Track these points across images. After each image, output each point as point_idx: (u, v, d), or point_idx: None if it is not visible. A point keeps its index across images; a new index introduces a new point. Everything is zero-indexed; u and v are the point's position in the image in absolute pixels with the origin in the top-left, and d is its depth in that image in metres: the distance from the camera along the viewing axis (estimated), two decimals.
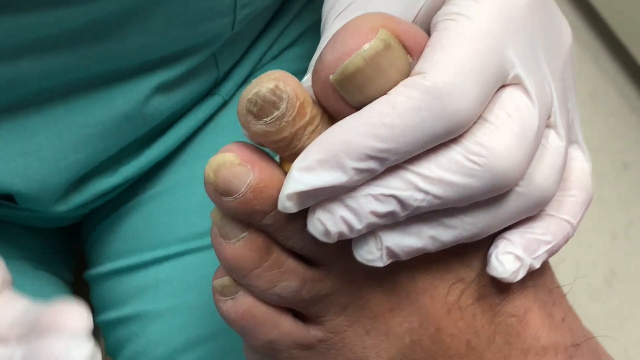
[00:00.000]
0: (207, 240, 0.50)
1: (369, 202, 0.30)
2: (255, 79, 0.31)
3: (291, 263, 0.34)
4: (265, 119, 0.30)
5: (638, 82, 1.25)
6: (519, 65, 0.31)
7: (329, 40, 0.30)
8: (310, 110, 0.31)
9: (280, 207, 0.31)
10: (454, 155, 0.30)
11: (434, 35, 0.31)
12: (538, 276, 0.36)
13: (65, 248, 0.60)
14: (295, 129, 0.31)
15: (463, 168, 0.30)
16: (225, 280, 0.35)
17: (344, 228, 0.30)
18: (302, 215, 0.32)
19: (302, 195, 0.30)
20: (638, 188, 1.19)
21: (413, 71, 0.30)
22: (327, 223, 0.30)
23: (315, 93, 0.31)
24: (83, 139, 0.45)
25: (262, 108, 0.30)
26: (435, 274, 0.34)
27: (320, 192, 0.30)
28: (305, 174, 0.30)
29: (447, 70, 0.29)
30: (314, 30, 0.55)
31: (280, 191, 0.31)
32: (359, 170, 0.30)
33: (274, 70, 0.31)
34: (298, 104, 0.30)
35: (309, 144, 0.31)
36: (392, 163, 0.30)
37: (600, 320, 1.09)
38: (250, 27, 0.51)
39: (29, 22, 0.38)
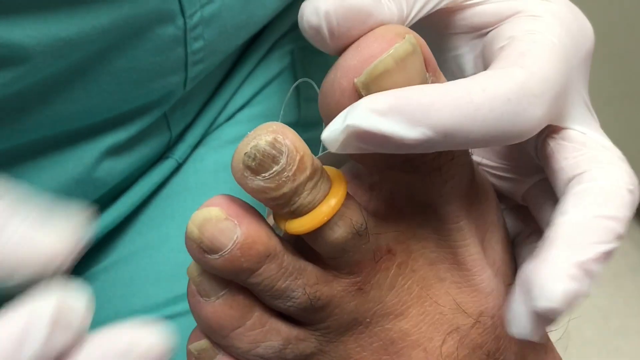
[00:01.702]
0: (166, 311, 0.48)
1: None
2: (251, 131, 0.29)
3: (274, 322, 0.32)
4: (264, 175, 0.28)
5: None
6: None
7: (349, 48, 0.29)
8: (311, 165, 0.29)
9: (328, 138, 0.28)
10: None
11: (519, 44, 0.30)
12: None
13: None
14: (296, 184, 0.29)
15: None
16: (203, 343, 0.32)
17: None
18: (292, 272, 0.30)
19: (361, 135, 0.28)
20: None
21: (501, 58, 0.30)
22: None
23: (329, 104, 0.30)
24: None
25: (260, 163, 0.28)
26: (430, 325, 0.32)
27: (379, 140, 0.28)
28: (374, 115, 0.27)
29: (540, 74, 0.29)
30: (268, 91, 0.54)
31: (266, 246, 0.29)
32: (426, 137, 0.28)
33: (270, 122, 0.29)
34: (298, 157, 0.28)
35: (309, 200, 0.29)
36: (455, 146, 0.28)
37: None
38: (202, 86, 0.49)
39: None
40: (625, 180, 0.31)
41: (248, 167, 0.28)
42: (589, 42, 0.33)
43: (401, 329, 0.32)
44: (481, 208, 0.33)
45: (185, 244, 0.30)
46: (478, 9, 0.33)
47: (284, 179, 0.28)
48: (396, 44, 0.29)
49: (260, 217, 0.30)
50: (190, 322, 0.48)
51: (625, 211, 0.30)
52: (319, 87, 0.31)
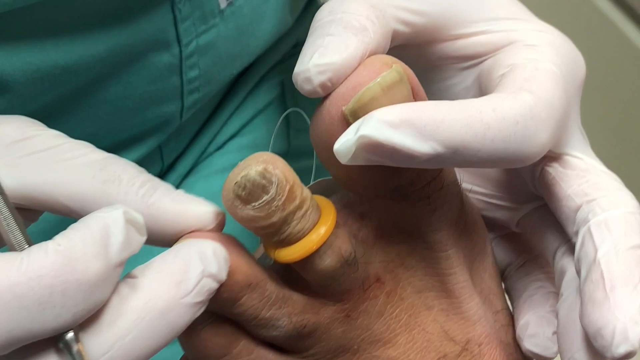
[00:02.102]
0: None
1: None
2: (242, 161, 0.29)
3: (261, 350, 0.32)
4: (253, 204, 0.29)
5: None
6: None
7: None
8: (300, 194, 0.29)
9: (340, 149, 0.29)
10: None
11: (522, 71, 0.31)
12: (518, 352, 0.35)
13: None
14: (285, 213, 0.29)
15: None
16: None
17: None
18: (276, 301, 0.30)
19: (372, 146, 0.28)
20: None
21: (506, 84, 0.31)
22: None
23: (319, 133, 0.30)
24: None
25: (251, 192, 0.29)
26: (417, 352, 0.33)
27: (389, 153, 0.28)
28: (387, 128, 0.28)
29: (546, 100, 0.30)
30: (258, 121, 0.54)
31: (246, 276, 0.30)
32: (435, 152, 0.28)
33: (261, 152, 0.29)
34: (288, 187, 0.29)
35: (298, 229, 0.29)
36: (463, 164, 0.29)
37: None
38: (195, 117, 0.50)
39: None
40: (631, 204, 0.32)
41: (238, 197, 0.29)
42: (582, 71, 0.34)
43: (389, 357, 0.33)
44: (469, 237, 0.33)
45: None
46: (470, 40, 0.34)
47: (273, 208, 0.29)
48: (383, 73, 0.29)
49: (241, 247, 0.31)
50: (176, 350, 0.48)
51: None
52: (309, 117, 0.32)
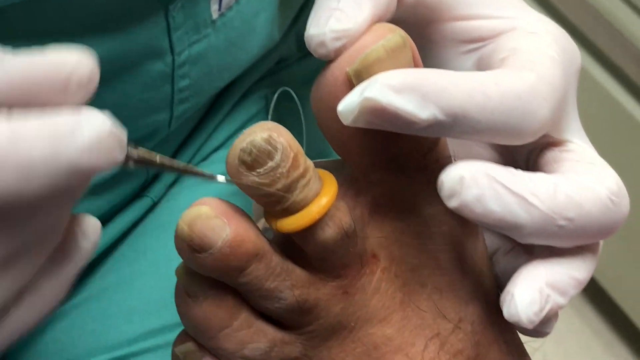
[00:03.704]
0: (138, 346, 0.47)
1: None
2: (246, 129, 0.30)
3: (261, 324, 0.32)
4: (258, 170, 0.29)
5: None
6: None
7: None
8: (304, 163, 0.30)
9: (344, 109, 0.29)
10: None
11: (525, 54, 0.32)
12: (508, 330, 0.35)
13: None
14: (290, 181, 0.30)
15: None
16: (189, 345, 0.33)
17: None
18: (280, 273, 0.31)
19: (374, 109, 0.29)
20: None
21: (508, 65, 0.32)
22: None
23: (322, 95, 0.31)
24: None
25: (256, 158, 0.29)
26: (412, 330, 0.33)
27: (390, 117, 0.29)
28: (390, 92, 0.29)
29: (548, 79, 0.31)
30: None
31: (255, 245, 0.30)
32: (435, 119, 0.29)
33: (265, 121, 0.30)
34: (292, 154, 0.29)
35: (301, 198, 0.30)
36: (462, 134, 0.30)
37: None
38: (180, 127, 0.50)
39: None
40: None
41: (244, 162, 0.29)
42: (577, 61, 0.35)
43: (384, 334, 0.33)
44: (462, 217, 0.34)
45: (175, 242, 0.31)
46: (472, 24, 0.35)
47: (278, 175, 0.29)
48: (387, 36, 0.30)
49: (249, 218, 0.31)
50: (163, 357, 0.48)
51: None
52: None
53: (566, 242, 0.32)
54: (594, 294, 1.24)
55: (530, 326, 0.31)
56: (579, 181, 0.32)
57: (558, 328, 0.35)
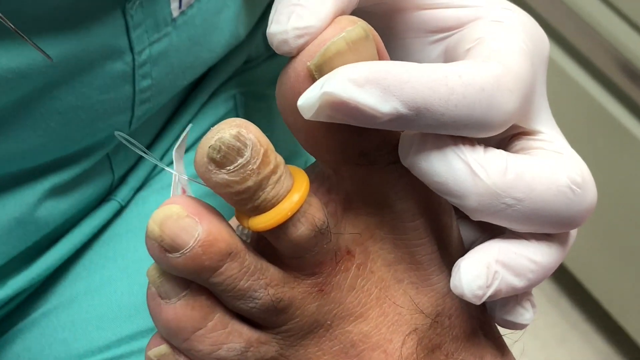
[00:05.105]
0: (110, 353, 0.46)
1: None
2: (214, 127, 0.29)
3: (236, 324, 0.31)
4: (228, 167, 0.28)
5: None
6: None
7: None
8: (274, 159, 0.29)
9: (304, 104, 0.29)
10: None
11: (491, 43, 0.32)
12: (487, 323, 0.35)
13: None
14: (260, 177, 0.29)
15: None
16: (162, 348, 0.32)
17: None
18: (254, 272, 0.30)
19: (335, 104, 0.28)
20: None
21: (474, 56, 0.31)
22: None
23: (284, 91, 0.30)
24: None
25: (225, 155, 0.28)
26: (389, 326, 0.33)
27: (352, 111, 0.28)
28: (351, 85, 0.28)
29: (515, 70, 0.31)
30: None
31: (228, 244, 0.29)
32: (398, 113, 0.28)
33: (233, 118, 0.29)
34: (262, 150, 0.29)
35: (273, 195, 0.29)
36: (425, 128, 0.29)
37: None
38: (146, 128, 0.49)
39: None
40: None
41: (213, 160, 0.28)
42: (546, 49, 0.35)
43: (361, 331, 0.33)
44: (435, 209, 0.34)
45: (146, 243, 0.30)
46: (437, 13, 0.35)
47: (248, 172, 0.29)
48: (348, 28, 0.30)
49: (221, 216, 0.30)
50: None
51: None
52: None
53: (519, 225, 0.32)
54: (570, 286, 1.24)
55: (475, 301, 0.31)
56: (535, 164, 0.31)
57: (535, 321, 0.35)
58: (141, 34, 0.43)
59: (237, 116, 0.55)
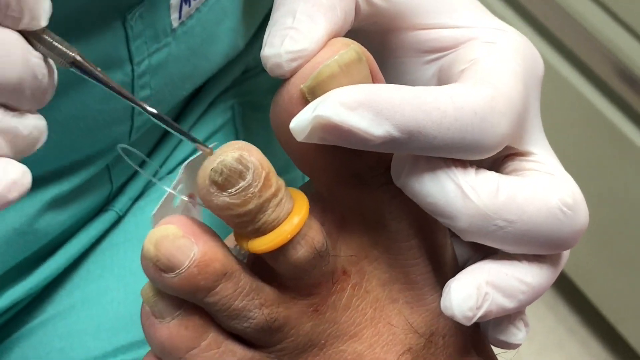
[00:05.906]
0: None
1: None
2: (217, 149, 0.29)
3: (230, 343, 0.32)
4: (230, 190, 0.29)
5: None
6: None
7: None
8: (276, 182, 0.30)
9: (296, 127, 0.29)
10: None
11: (484, 65, 0.32)
12: (480, 342, 0.35)
13: None
14: (262, 200, 0.29)
15: None
16: None
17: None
18: (249, 292, 0.30)
19: (327, 127, 0.28)
20: None
21: (467, 78, 0.31)
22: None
23: (278, 113, 0.30)
24: None
25: (227, 178, 0.29)
26: (383, 346, 0.33)
27: (344, 134, 0.29)
28: (343, 109, 0.28)
29: (506, 93, 0.31)
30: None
31: (223, 264, 0.29)
32: (390, 136, 0.29)
33: (235, 141, 0.30)
34: (264, 174, 0.29)
35: (273, 217, 0.29)
36: (418, 150, 0.29)
37: None
38: (144, 139, 0.50)
39: None
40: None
41: (214, 183, 0.29)
42: (540, 69, 0.35)
43: (355, 351, 0.33)
44: (431, 228, 0.34)
45: (141, 263, 0.30)
46: (432, 34, 0.35)
47: (250, 194, 0.29)
48: (341, 51, 0.30)
49: (217, 236, 0.31)
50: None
51: None
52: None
53: (510, 247, 0.32)
54: (568, 291, 1.25)
55: (465, 322, 0.31)
56: (526, 186, 0.32)
57: (532, 326, 0.35)
58: (141, 45, 0.43)
59: (235, 126, 0.55)
